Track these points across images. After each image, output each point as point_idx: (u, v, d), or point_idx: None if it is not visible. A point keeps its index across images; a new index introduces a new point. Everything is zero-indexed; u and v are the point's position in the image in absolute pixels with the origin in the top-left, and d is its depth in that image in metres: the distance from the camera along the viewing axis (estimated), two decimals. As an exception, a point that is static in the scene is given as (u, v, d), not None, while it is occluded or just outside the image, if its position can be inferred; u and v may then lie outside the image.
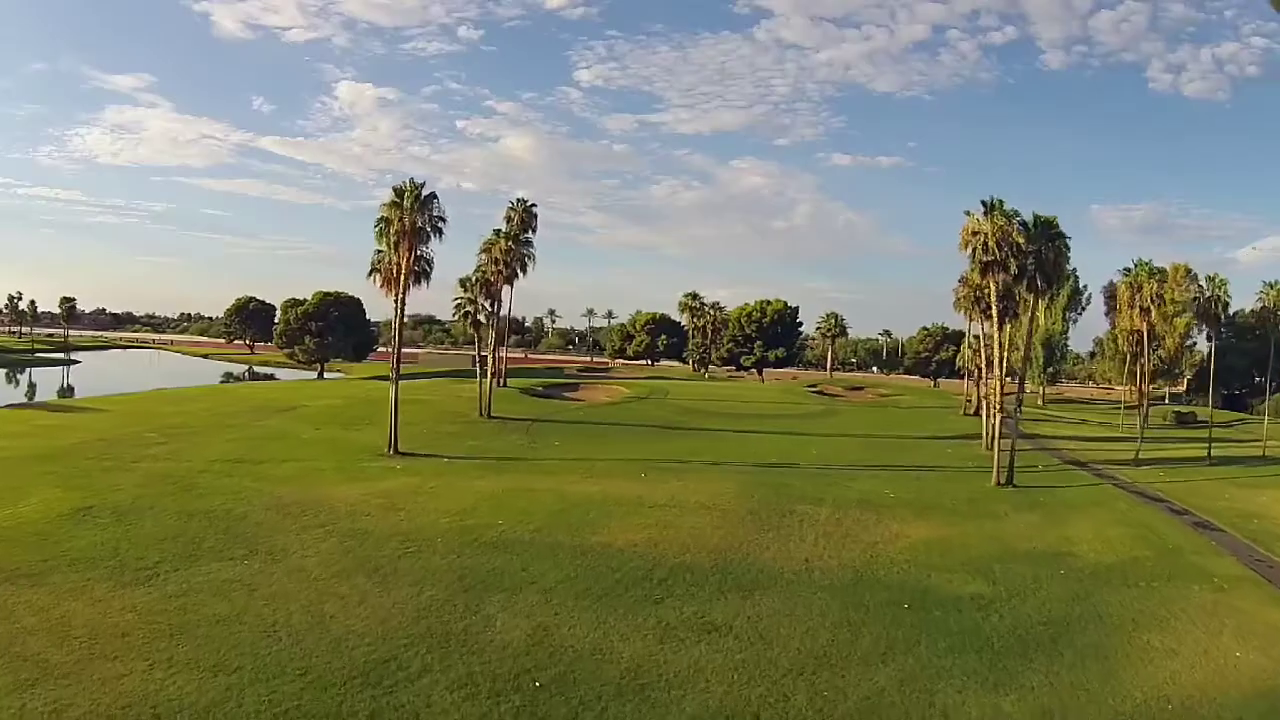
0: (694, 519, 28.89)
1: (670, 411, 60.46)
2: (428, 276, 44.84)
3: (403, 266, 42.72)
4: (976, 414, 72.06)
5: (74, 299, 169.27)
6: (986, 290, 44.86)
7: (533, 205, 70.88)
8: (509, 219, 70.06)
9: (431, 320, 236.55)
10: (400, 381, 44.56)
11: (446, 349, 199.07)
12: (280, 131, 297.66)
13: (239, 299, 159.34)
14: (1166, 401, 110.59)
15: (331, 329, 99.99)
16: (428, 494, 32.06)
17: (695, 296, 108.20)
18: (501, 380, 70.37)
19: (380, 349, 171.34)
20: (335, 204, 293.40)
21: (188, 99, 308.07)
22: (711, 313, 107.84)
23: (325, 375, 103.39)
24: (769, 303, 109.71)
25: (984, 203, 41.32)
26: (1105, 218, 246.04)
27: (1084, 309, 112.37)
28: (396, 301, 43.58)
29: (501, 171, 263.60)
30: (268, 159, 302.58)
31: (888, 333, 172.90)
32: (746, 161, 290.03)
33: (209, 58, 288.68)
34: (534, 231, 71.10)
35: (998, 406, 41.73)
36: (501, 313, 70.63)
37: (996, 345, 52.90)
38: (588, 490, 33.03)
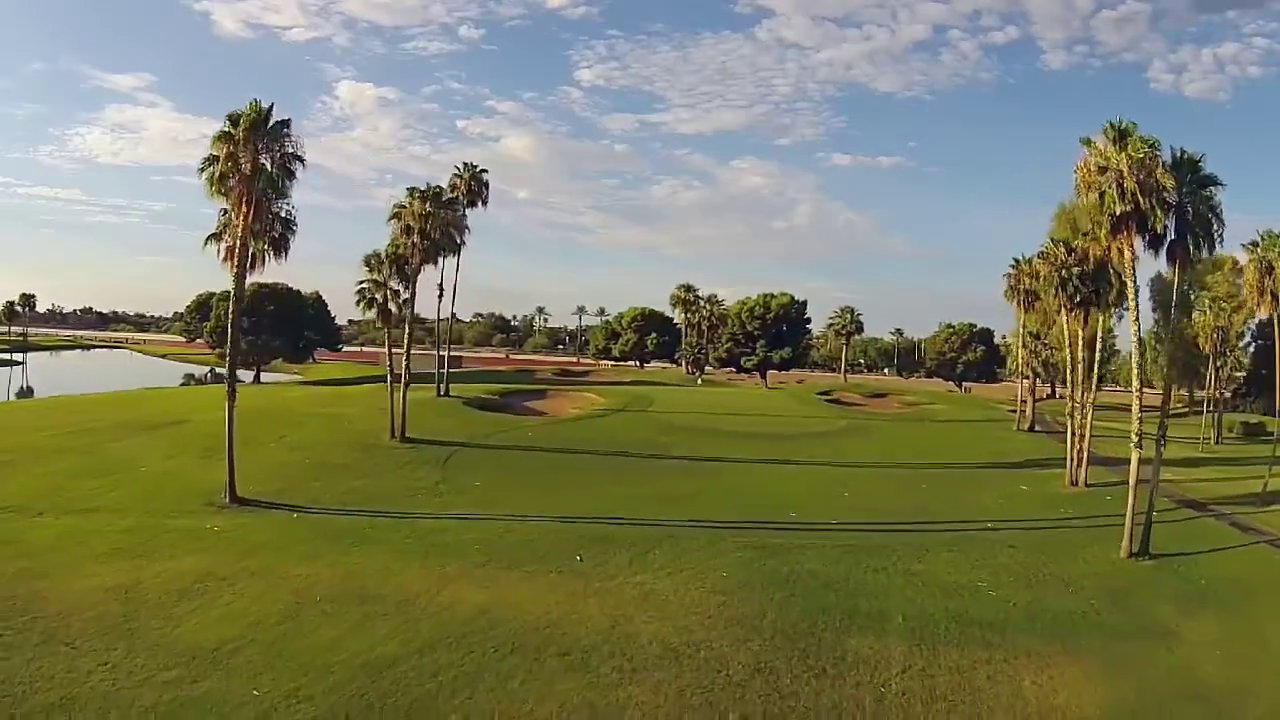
0: (649, 695, 14.97)
1: (650, 429, 46.48)
2: (285, 247, 31.07)
3: (242, 227, 28.94)
4: (1033, 430, 58.23)
5: (33, 295, 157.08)
6: (1101, 259, 30.94)
7: (482, 171, 57.23)
8: (453, 188, 56.32)
9: (414, 319, 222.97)
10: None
11: (428, 348, 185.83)
12: None
13: (199, 295, 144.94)
14: (1212, 408, 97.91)
15: (265, 326, 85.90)
16: (200, 595, 18.89)
17: (690, 289, 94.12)
18: (442, 388, 56.40)
19: (348, 348, 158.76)
20: (335, 204, 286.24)
21: (188, 98, 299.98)
22: (708, 307, 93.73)
23: (262, 378, 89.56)
24: (773, 296, 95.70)
25: (1111, 125, 27.30)
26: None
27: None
28: (234, 278, 29.70)
29: (502, 171, 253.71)
30: None
31: (899, 331, 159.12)
32: (747, 161, 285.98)
33: (209, 57, 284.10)
34: (484, 204, 57.60)
35: (1134, 438, 27.61)
36: (445, 305, 57.95)
37: (1097, 344, 39.31)
38: (468, 603, 18.98)
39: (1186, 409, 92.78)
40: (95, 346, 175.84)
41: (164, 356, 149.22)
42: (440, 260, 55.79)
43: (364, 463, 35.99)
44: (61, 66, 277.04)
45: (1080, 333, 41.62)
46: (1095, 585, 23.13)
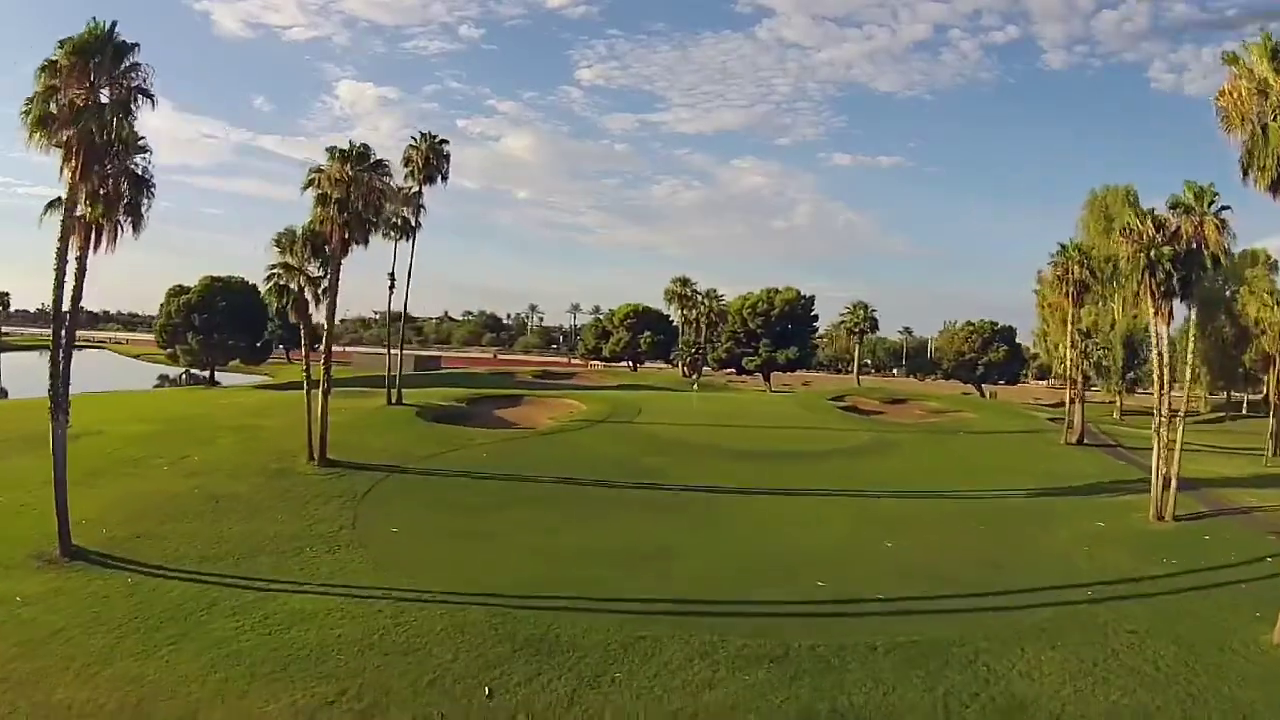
0: None
1: (634, 446, 38.43)
2: (137, 213, 23.16)
3: (70, 184, 21.11)
4: (1082, 442, 50.13)
5: (7, 293, 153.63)
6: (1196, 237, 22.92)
7: (443, 142, 49.17)
8: (407, 161, 48.33)
9: (404, 317, 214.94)
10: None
11: (416, 348, 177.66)
12: (280, 130, 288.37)
13: (170, 289, 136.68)
14: (1246, 411, 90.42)
15: (219, 323, 77.76)
16: None
17: (686, 283, 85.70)
18: (393, 396, 48.36)
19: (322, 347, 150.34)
20: None
21: (188, 98, 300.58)
22: (706, 303, 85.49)
23: (218, 380, 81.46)
24: (777, 291, 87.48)
25: (1268, 35, 19.22)
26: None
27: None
28: (55, 255, 21.71)
29: (502, 171, 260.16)
30: (268, 158, 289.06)
31: (908, 330, 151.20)
32: (747, 161, 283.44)
33: (209, 56, 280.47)
34: (445, 179, 49.56)
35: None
36: (397, 299, 50.11)
37: (1190, 343, 31.58)
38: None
39: (1225, 414, 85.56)
40: (73, 346, 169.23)
41: (137, 357, 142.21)
42: (393, 243, 48.51)
43: (262, 495, 28.06)
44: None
45: (1166, 329, 33.57)
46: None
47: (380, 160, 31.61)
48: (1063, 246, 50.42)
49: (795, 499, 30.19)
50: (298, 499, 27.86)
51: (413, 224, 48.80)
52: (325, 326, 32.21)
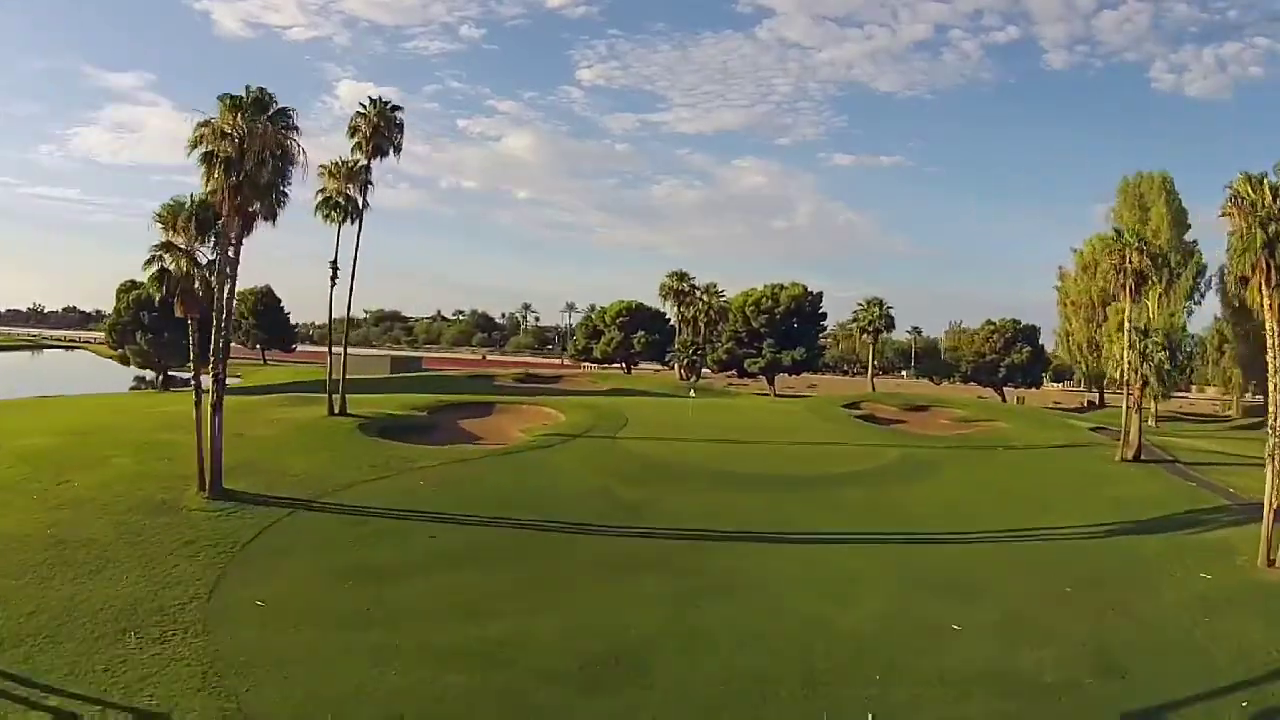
0: None
1: (610, 471, 31.51)
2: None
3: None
4: (1138, 459, 43.21)
5: None
6: None
7: (396, 108, 42.40)
8: (353, 131, 41.60)
9: (395, 317, 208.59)
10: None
11: (404, 348, 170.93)
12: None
13: (121, 284, 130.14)
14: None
15: (171, 321, 70.77)
16: None
17: (683, 277, 78.59)
18: (335, 406, 41.52)
19: (306, 346, 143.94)
20: None
21: (188, 98, 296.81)
22: (705, 299, 78.50)
23: (169, 384, 74.66)
24: (783, 287, 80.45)
25: None
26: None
27: (1203, 296, 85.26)
28: None
29: (502, 171, 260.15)
30: None
31: (917, 330, 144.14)
32: (748, 161, 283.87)
33: (209, 56, 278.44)
34: (398, 151, 42.75)
35: None
36: (341, 292, 43.49)
37: None
38: None
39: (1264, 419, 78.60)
40: (49, 346, 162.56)
41: (110, 358, 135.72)
42: (336, 227, 41.75)
43: (122, 541, 21.33)
44: (62, 65, 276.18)
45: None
46: None
47: (284, 109, 24.70)
48: (1118, 233, 44.08)
49: (815, 548, 23.24)
50: (162, 548, 21.07)
51: (360, 204, 42.03)
52: (218, 322, 25.24)
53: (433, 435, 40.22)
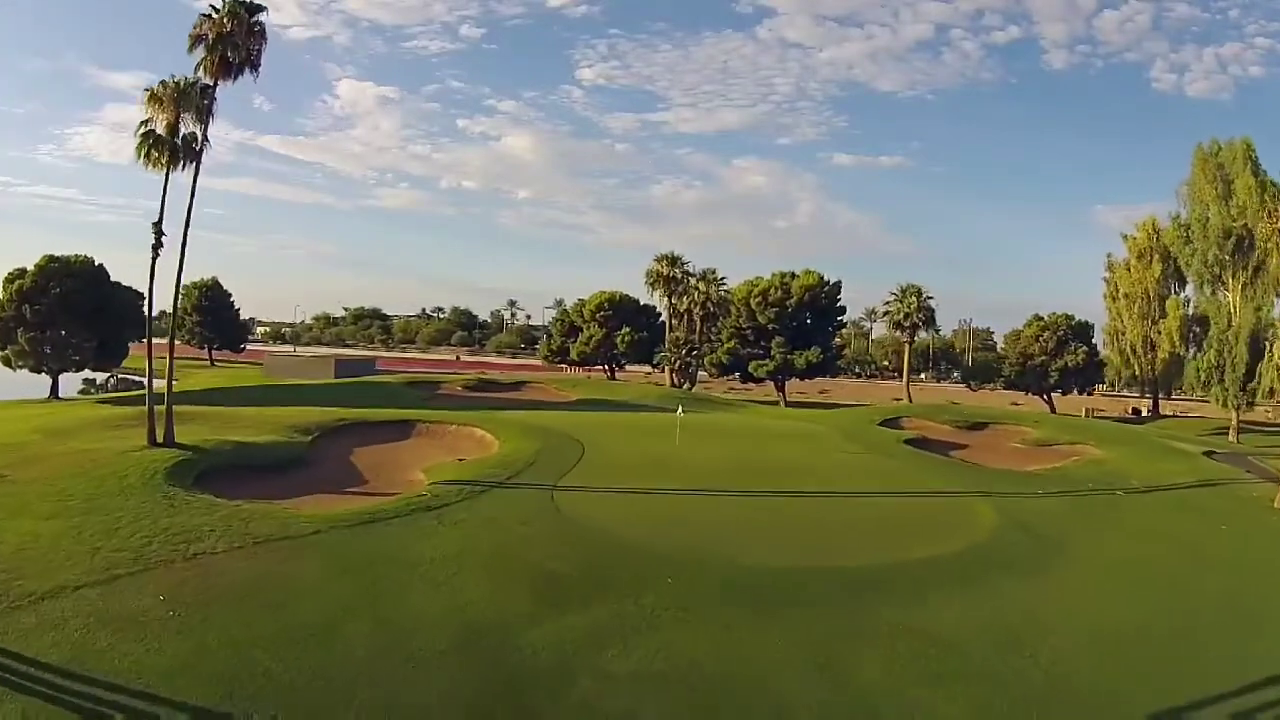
0: None
1: (522, 577, 18.16)
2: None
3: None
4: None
5: None
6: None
7: (257, 7, 28.83)
8: (195, 42, 28.17)
9: (375, 314, 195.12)
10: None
11: (379, 348, 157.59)
12: (280, 130, 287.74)
13: (7, 274, 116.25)
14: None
15: (55, 317, 57.18)
16: None
17: (675, 262, 65.31)
18: (159, 434, 28.18)
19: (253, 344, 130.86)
20: (335, 204, 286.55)
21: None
22: (702, 288, 65.22)
23: (60, 389, 60.87)
24: (794, 276, 67.28)
25: None
26: (1108, 218, 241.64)
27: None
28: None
29: (502, 170, 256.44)
30: (267, 158, 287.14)
31: (936, 330, 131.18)
32: (748, 161, 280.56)
33: None
34: (255, 69, 29.12)
35: None
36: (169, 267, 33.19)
37: None
38: None
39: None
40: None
41: None
42: (162, 174, 28.46)
43: None
44: (61, 65, 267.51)
45: None
46: None
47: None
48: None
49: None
50: None
51: (198, 140, 28.66)
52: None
53: (294, 476, 27.12)
